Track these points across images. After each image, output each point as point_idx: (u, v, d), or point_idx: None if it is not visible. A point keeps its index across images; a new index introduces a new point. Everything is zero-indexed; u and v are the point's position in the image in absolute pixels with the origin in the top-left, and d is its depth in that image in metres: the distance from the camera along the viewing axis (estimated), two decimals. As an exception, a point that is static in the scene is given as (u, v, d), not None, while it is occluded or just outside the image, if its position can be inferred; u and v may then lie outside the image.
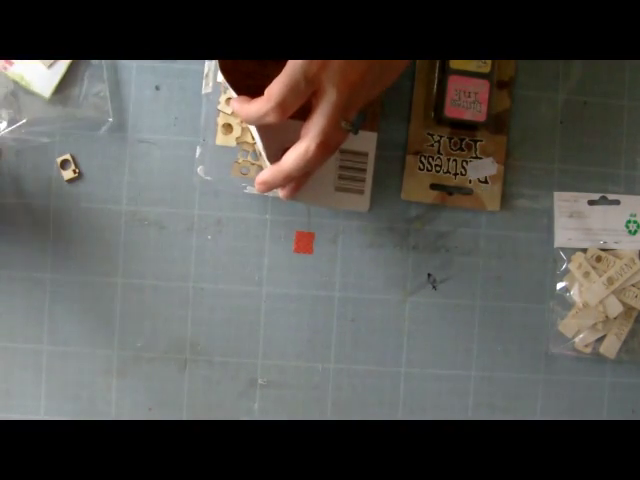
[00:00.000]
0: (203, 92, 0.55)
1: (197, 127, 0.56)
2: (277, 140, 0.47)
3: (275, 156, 0.47)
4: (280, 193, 0.50)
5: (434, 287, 0.58)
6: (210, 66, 0.55)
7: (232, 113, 0.55)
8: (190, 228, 0.57)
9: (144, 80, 0.57)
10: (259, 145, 0.50)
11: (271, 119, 0.43)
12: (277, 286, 0.58)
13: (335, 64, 0.42)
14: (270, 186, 0.48)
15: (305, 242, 0.58)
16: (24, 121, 0.56)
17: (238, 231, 0.57)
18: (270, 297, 0.58)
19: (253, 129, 0.49)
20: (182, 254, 0.57)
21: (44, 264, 0.57)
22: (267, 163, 0.49)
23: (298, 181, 0.49)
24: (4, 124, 0.56)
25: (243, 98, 0.45)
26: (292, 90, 0.42)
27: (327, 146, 0.44)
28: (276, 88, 0.42)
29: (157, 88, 0.57)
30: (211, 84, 0.55)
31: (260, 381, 0.58)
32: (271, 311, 0.58)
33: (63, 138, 0.57)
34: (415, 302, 0.58)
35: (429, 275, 0.58)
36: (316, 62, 0.42)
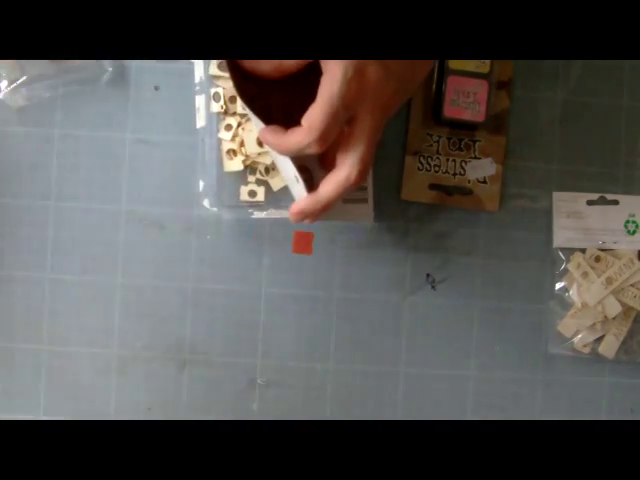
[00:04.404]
0: (197, 126, 0.54)
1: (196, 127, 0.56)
2: (297, 160, 0.46)
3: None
4: (307, 220, 0.48)
5: (433, 287, 0.58)
6: (200, 100, 0.54)
7: (232, 139, 0.55)
8: (190, 228, 0.57)
9: (143, 80, 0.57)
10: (289, 172, 0.48)
11: (313, 150, 0.42)
12: (276, 286, 0.58)
13: (369, 90, 0.42)
14: (306, 215, 0.46)
15: (304, 242, 0.58)
16: (24, 78, 0.55)
17: (237, 231, 0.57)
18: (269, 297, 0.58)
19: (281, 157, 0.47)
20: (182, 254, 0.57)
21: (44, 264, 0.57)
22: (296, 190, 0.48)
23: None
24: (5, 83, 0.55)
25: (275, 128, 0.44)
26: (333, 119, 0.41)
27: (366, 171, 0.44)
28: (317, 118, 0.41)
29: (156, 88, 0.57)
30: (204, 117, 0.54)
31: (259, 381, 0.58)
32: (270, 311, 0.58)
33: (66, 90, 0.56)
34: (414, 302, 0.58)
35: (428, 275, 0.58)
36: (352, 89, 0.41)
